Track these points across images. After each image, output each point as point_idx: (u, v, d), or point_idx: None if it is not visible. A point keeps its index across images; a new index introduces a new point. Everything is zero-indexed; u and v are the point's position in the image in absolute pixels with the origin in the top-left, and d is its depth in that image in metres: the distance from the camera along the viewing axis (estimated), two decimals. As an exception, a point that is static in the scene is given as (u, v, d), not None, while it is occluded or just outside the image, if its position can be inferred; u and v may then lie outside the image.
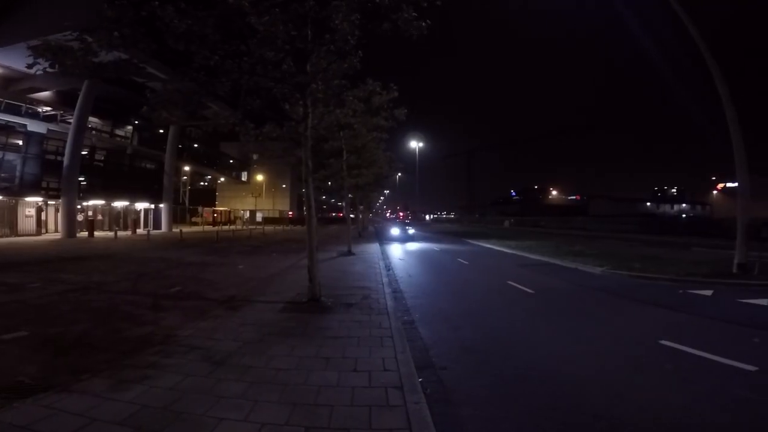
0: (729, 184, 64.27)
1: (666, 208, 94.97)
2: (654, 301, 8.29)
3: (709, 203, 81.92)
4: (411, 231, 31.15)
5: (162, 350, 4.63)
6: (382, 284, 9.60)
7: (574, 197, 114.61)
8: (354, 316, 6.41)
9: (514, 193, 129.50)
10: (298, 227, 47.73)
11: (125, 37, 5.21)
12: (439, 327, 6.43)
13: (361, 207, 39.31)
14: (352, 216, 28.28)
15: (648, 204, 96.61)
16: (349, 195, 23.44)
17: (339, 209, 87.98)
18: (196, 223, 46.70)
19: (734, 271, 10.78)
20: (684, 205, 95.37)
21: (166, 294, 8.07)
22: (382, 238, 30.02)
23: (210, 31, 5.42)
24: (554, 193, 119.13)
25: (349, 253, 16.87)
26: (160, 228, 34.92)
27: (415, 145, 39.68)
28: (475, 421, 3.36)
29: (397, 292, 9.30)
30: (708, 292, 9.11)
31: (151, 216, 36.73)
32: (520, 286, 10.12)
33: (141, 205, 35.82)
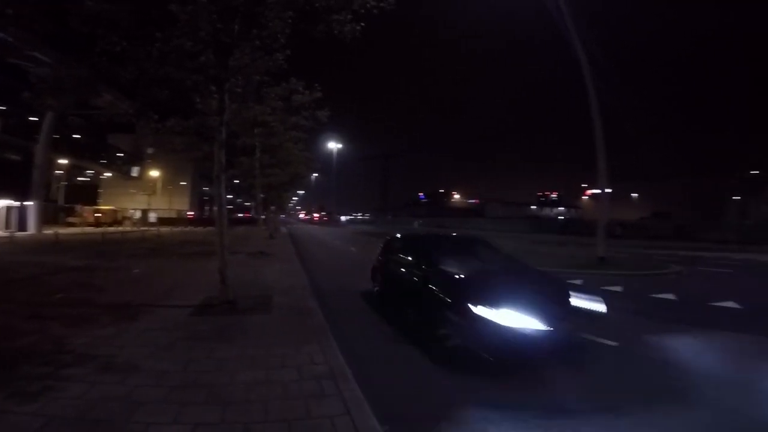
0: (594, 191, 76.17)
1: (547, 210, 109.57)
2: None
3: (581, 207, 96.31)
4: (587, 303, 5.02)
5: (55, 360, 4.12)
6: (301, 282, 9.51)
7: (473, 201, 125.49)
8: (274, 316, 6.32)
9: (422, 196, 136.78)
10: (200, 229, 44.14)
11: (21, 16, 4.46)
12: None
13: (273, 207, 37.86)
14: (263, 217, 27.17)
15: (533, 207, 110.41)
16: (261, 195, 22.57)
17: (246, 209, 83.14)
18: (73, 224, 40.39)
19: (597, 263, 13.01)
20: (561, 208, 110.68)
21: (47, 302, 7.01)
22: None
23: (124, 15, 4.90)
24: (457, 196, 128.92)
25: (262, 254, 16.33)
26: (26, 229, 29.56)
27: (333, 146, 39.47)
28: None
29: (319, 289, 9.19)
30: (579, 281, 10.82)
31: (15, 215, 30.88)
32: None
33: (1, 203, 29.94)
